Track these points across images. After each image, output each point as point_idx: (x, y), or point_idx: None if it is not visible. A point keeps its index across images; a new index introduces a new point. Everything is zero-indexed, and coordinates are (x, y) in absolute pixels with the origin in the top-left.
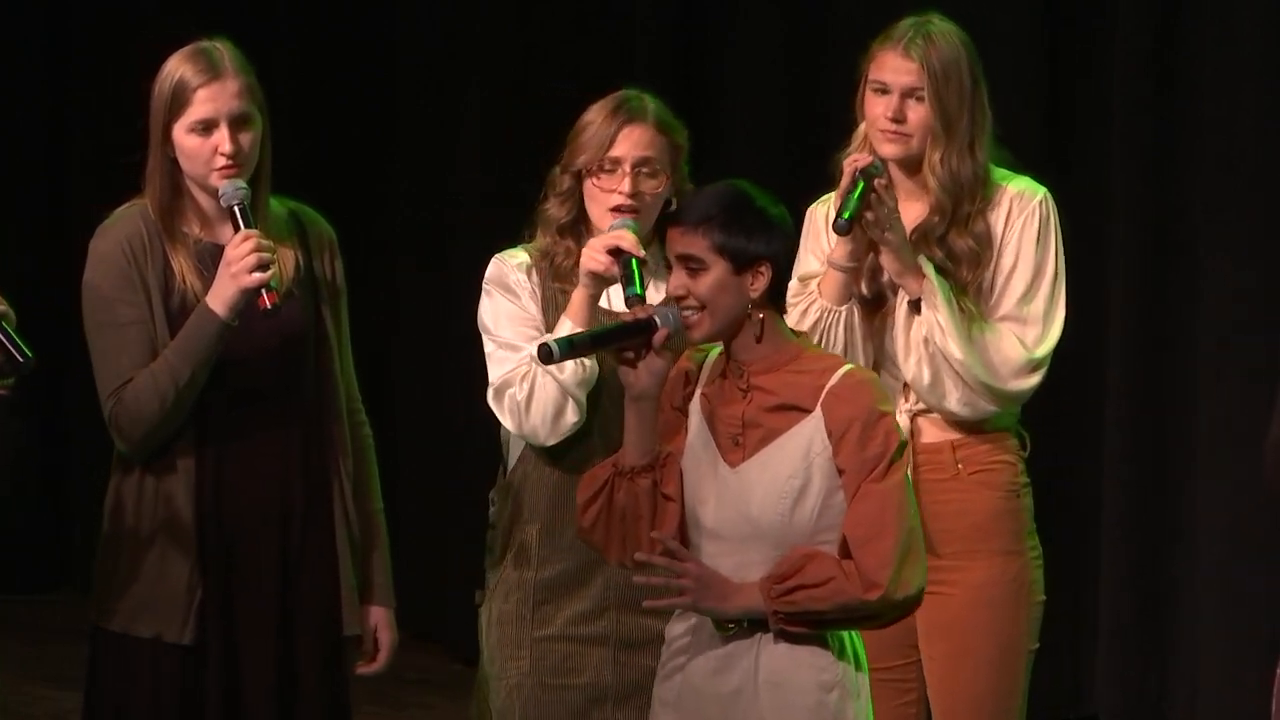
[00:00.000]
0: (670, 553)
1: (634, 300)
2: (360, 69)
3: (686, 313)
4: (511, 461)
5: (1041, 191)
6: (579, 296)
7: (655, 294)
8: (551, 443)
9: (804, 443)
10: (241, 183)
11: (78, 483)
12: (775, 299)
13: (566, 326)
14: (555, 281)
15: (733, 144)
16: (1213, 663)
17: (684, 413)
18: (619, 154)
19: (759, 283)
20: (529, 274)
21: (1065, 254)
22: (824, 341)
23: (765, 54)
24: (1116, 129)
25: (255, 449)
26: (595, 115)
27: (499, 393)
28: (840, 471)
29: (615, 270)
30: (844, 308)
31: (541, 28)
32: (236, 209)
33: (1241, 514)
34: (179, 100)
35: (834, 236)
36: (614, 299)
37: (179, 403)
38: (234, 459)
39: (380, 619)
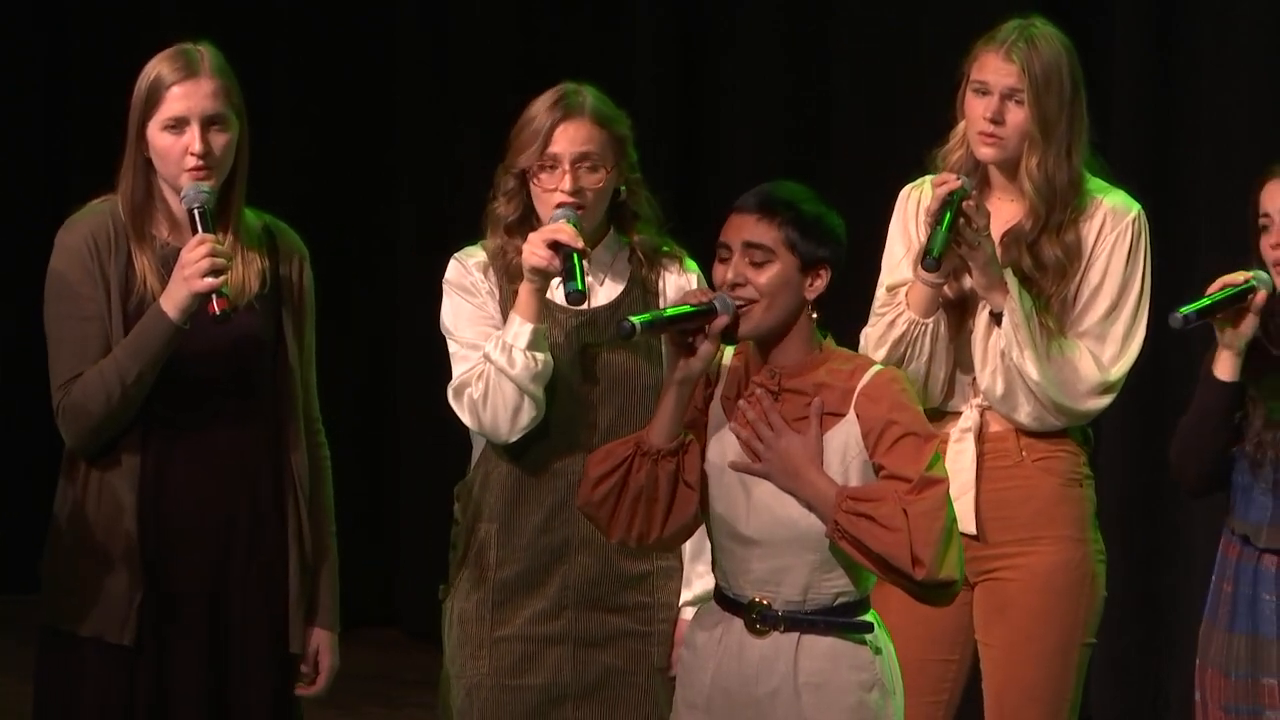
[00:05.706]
0: (768, 416)
1: (574, 296)
2: (360, 69)
3: (739, 303)
4: (473, 460)
5: (1136, 208)
6: (525, 291)
7: (609, 287)
8: (512, 439)
9: (840, 447)
10: (205, 186)
11: None
12: (818, 304)
13: (516, 323)
14: (509, 281)
15: (733, 144)
16: None
17: (704, 413)
18: (557, 151)
19: (817, 284)
20: (486, 272)
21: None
22: (910, 352)
23: (765, 54)
24: (1115, 129)
25: (201, 451)
26: (534, 113)
27: (458, 392)
28: (879, 468)
29: (557, 264)
30: (931, 320)
31: (542, 27)
32: (196, 212)
33: None
34: (153, 98)
35: (923, 217)
36: (557, 293)
37: (125, 401)
38: (179, 460)
39: (323, 641)
